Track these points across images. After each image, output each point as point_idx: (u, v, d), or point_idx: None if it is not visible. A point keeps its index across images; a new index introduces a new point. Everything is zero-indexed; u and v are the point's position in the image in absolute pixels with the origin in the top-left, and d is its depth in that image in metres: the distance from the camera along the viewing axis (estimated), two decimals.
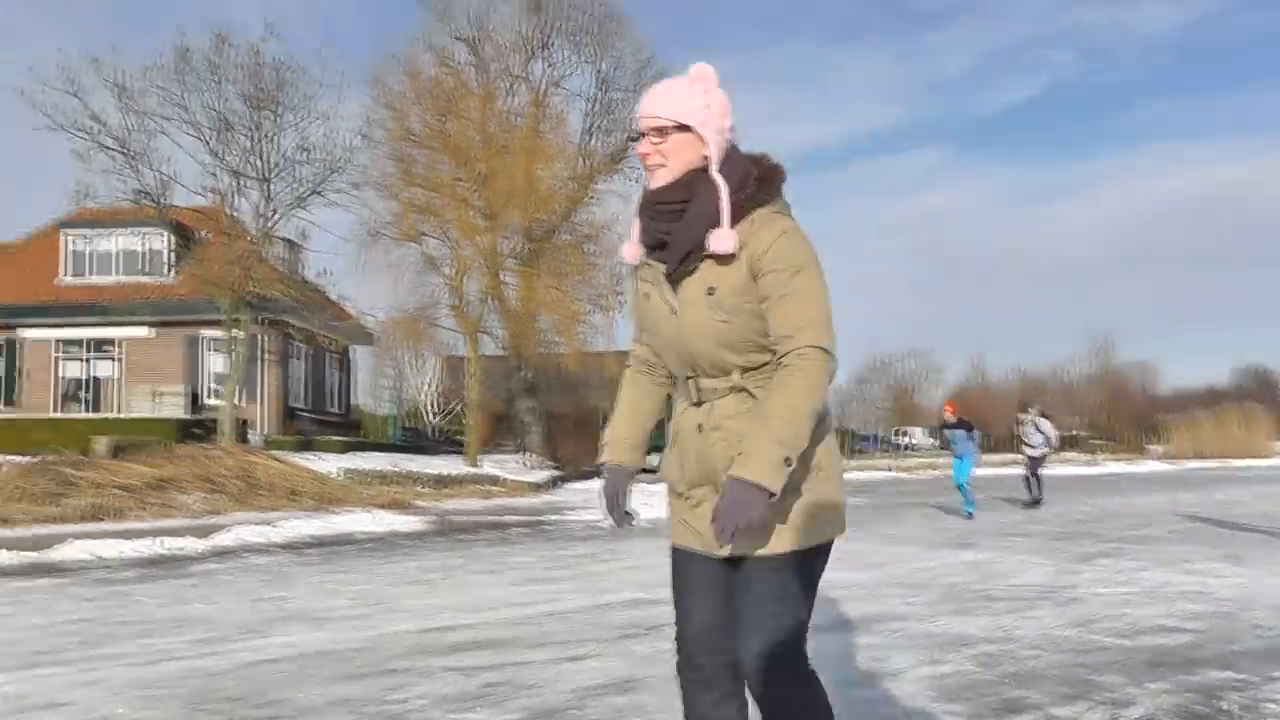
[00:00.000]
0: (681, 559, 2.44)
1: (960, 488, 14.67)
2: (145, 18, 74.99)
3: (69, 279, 29.03)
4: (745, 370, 2.27)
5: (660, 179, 2.29)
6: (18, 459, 19.79)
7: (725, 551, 2.26)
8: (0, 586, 8.72)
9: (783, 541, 2.25)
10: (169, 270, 28.40)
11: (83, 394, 28.44)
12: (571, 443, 31.04)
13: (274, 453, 20.26)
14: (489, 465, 25.49)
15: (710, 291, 2.24)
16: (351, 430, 31.29)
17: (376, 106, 27.62)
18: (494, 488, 21.82)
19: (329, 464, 20.61)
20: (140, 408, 26.51)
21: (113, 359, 28.26)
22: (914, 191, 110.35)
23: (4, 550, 10.77)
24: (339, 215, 27.19)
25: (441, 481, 21.13)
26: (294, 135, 26.21)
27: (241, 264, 24.36)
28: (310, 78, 26.13)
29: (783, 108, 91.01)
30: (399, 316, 28.51)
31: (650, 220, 2.32)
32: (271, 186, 26.21)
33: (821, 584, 2.36)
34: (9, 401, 27.92)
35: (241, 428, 23.21)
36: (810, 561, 2.30)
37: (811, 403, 2.12)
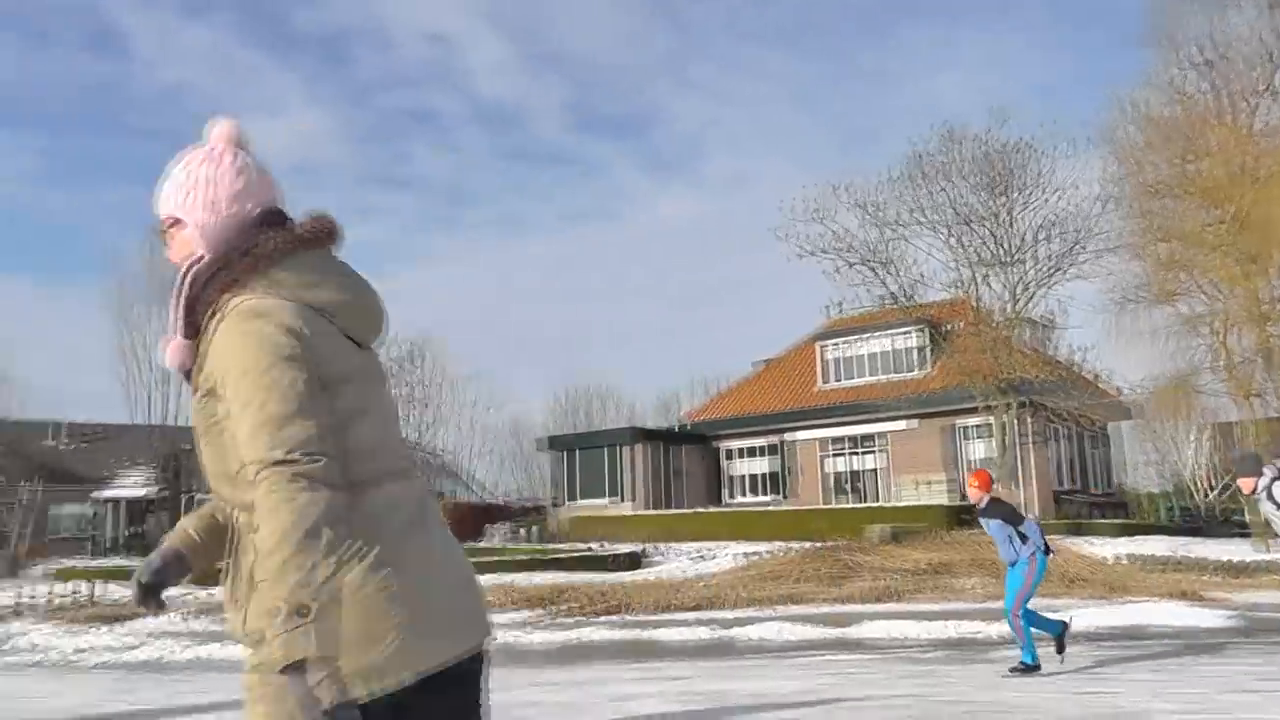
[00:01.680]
0: None
1: (1007, 618, 8.52)
2: (868, 132, 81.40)
3: (828, 384, 31.65)
4: (244, 510, 1.77)
5: None
6: (797, 544, 21.85)
7: None
8: (810, 658, 9.34)
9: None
10: (924, 364, 29.50)
11: (848, 485, 30.51)
12: None
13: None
14: None
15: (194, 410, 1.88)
16: (1118, 511, 29.31)
17: (1110, 164, 26.03)
18: None
19: (1104, 548, 19.37)
20: (907, 496, 27.68)
21: (875, 452, 29.92)
22: None
23: (809, 625, 11.78)
24: (1084, 286, 26.11)
25: (1231, 569, 18.48)
26: (1033, 214, 25.97)
27: (992, 351, 24.49)
28: (1042, 153, 25.80)
29: None
30: (1160, 385, 26.07)
31: None
32: (1015, 270, 26.17)
33: None
34: (785, 494, 31.04)
35: None
36: None
37: (292, 534, 1.56)
